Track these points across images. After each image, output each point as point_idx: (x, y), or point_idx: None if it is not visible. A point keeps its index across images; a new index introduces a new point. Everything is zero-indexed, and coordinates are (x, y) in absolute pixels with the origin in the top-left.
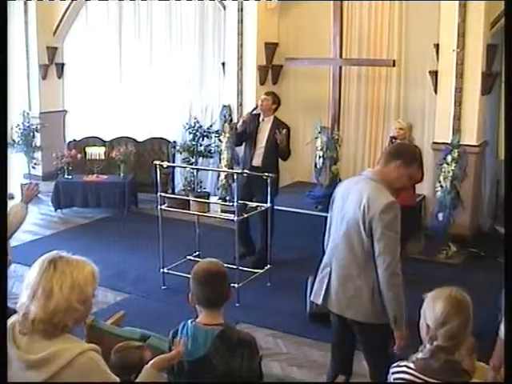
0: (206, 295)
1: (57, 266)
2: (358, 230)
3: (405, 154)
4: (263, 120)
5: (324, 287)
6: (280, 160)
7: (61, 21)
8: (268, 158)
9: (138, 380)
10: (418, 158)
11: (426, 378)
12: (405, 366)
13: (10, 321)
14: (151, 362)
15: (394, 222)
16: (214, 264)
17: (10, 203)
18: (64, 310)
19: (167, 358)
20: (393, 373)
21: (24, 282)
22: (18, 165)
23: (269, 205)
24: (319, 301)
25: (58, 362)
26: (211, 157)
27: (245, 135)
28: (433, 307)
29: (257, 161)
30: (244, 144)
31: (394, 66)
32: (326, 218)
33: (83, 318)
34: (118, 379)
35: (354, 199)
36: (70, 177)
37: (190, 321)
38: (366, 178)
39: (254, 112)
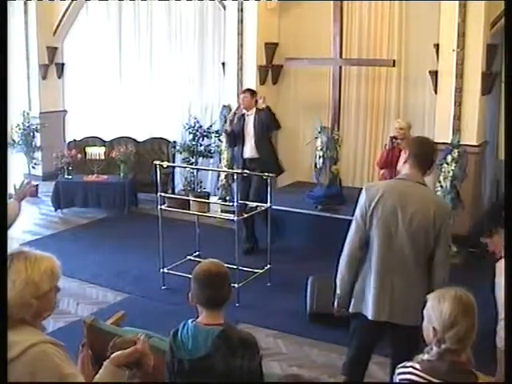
0: (206, 296)
1: (14, 262)
2: (427, 237)
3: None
4: (247, 115)
5: (387, 299)
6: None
7: (61, 21)
8: (260, 146)
9: (97, 376)
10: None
11: (432, 380)
12: (411, 366)
13: None
14: (110, 357)
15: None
16: (214, 264)
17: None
18: (18, 305)
19: (125, 353)
20: (399, 373)
21: None
22: (18, 165)
23: (269, 204)
24: (384, 317)
25: (10, 353)
26: (211, 157)
27: (233, 135)
28: (439, 310)
29: (249, 152)
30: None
31: (394, 66)
32: (325, 218)
33: (43, 312)
34: (73, 372)
35: (419, 206)
36: (70, 177)
37: (190, 320)
38: (415, 184)
39: (238, 111)
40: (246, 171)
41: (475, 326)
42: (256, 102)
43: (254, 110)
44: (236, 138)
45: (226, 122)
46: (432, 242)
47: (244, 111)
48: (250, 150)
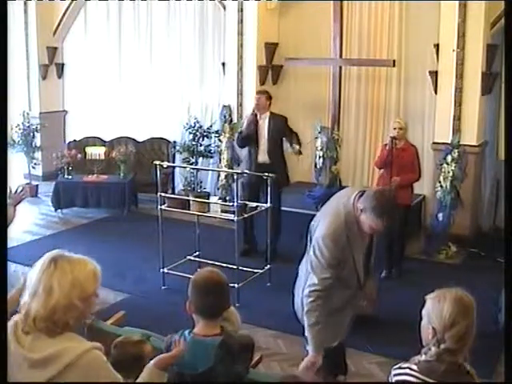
0: (204, 305)
1: (57, 264)
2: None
3: (371, 201)
4: (261, 118)
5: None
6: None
7: (61, 21)
8: (272, 152)
9: (140, 378)
10: (382, 211)
11: (430, 381)
12: (408, 368)
13: (13, 320)
14: (153, 360)
15: (324, 253)
16: (214, 274)
17: None
18: (64, 307)
19: (169, 356)
20: (395, 375)
21: (27, 282)
22: (18, 165)
23: (269, 205)
24: None
25: (62, 360)
26: (211, 157)
27: (246, 136)
28: (439, 310)
29: (262, 157)
30: (247, 144)
31: (394, 66)
32: None
33: (84, 316)
34: (121, 378)
35: (319, 212)
36: (70, 177)
37: (187, 332)
38: (345, 198)
39: (252, 112)
40: (246, 171)
41: (474, 325)
42: (270, 104)
43: (268, 113)
44: (247, 140)
45: (242, 125)
46: (309, 247)
47: (257, 113)
48: (263, 155)
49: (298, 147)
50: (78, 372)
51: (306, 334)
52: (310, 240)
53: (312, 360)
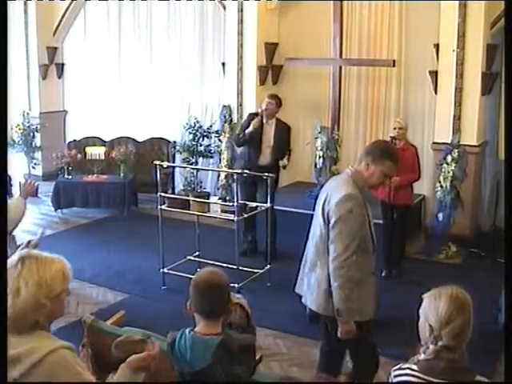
0: (204, 306)
1: (24, 264)
2: (320, 221)
3: (374, 150)
4: (267, 122)
5: (304, 280)
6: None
7: (61, 21)
8: (274, 157)
9: (115, 378)
10: (388, 153)
11: (431, 379)
12: (408, 368)
13: None
14: (126, 361)
15: (348, 214)
16: (215, 275)
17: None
18: (32, 307)
19: (140, 357)
20: (395, 376)
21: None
22: (18, 165)
23: (269, 205)
24: (301, 291)
25: (29, 359)
26: (211, 157)
27: (250, 139)
28: (435, 307)
29: (263, 160)
30: (247, 145)
31: (394, 66)
32: None
33: (55, 314)
34: (91, 378)
35: (323, 193)
36: (70, 177)
37: (187, 330)
38: (342, 174)
39: (259, 116)
40: (246, 171)
41: (471, 322)
42: (277, 111)
43: (275, 119)
44: (248, 141)
45: (247, 127)
46: (324, 228)
47: (263, 117)
48: (264, 158)
49: (286, 162)
50: (42, 371)
51: (339, 306)
52: (323, 217)
53: (349, 329)
